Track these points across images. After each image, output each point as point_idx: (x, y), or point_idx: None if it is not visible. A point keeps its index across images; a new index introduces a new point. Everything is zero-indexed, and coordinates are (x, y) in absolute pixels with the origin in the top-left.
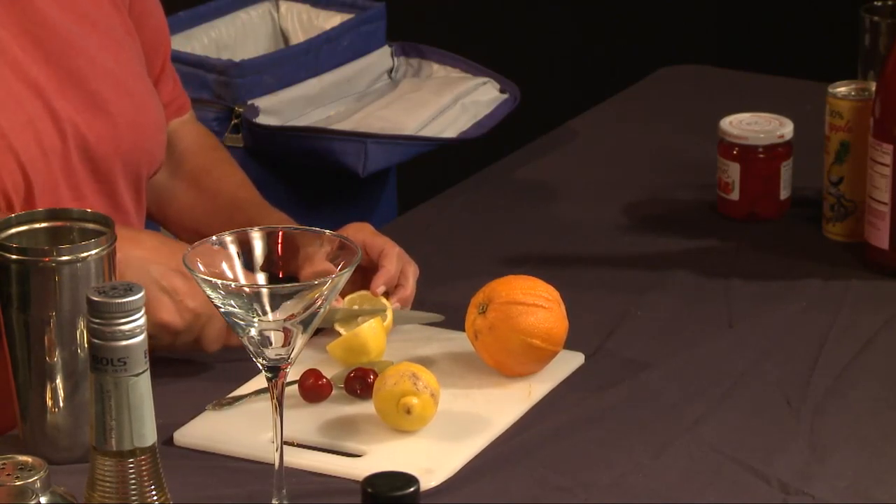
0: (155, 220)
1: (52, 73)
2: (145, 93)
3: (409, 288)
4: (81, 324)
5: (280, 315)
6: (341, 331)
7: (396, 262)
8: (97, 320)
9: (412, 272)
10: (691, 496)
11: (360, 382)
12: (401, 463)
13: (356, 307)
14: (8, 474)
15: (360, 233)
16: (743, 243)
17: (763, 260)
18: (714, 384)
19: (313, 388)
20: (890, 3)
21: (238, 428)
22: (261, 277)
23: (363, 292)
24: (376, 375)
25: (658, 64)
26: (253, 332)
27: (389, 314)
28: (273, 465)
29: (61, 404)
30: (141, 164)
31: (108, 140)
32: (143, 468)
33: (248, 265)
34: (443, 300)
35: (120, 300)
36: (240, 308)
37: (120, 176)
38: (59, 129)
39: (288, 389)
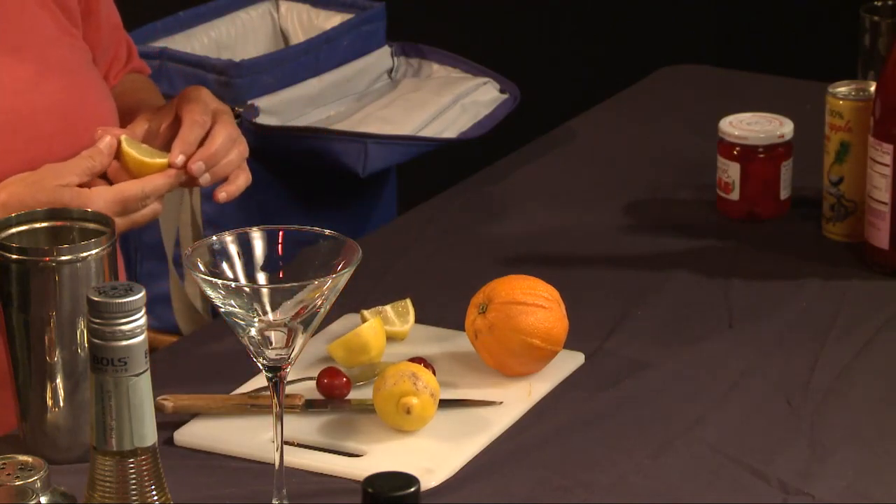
0: None
1: None
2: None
3: (239, 181)
4: (81, 324)
5: (280, 315)
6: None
7: (197, 131)
8: (97, 320)
9: (238, 153)
10: (691, 496)
11: (335, 386)
12: (401, 463)
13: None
14: (8, 474)
15: (195, 92)
16: (743, 243)
17: (763, 260)
18: (714, 384)
19: (329, 387)
20: (890, 3)
21: (238, 428)
22: (261, 277)
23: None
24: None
25: (658, 64)
26: (253, 332)
27: (411, 318)
28: (273, 465)
29: (61, 404)
30: None
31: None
32: (144, 468)
33: (249, 265)
34: (443, 300)
35: (120, 300)
36: (240, 308)
37: None
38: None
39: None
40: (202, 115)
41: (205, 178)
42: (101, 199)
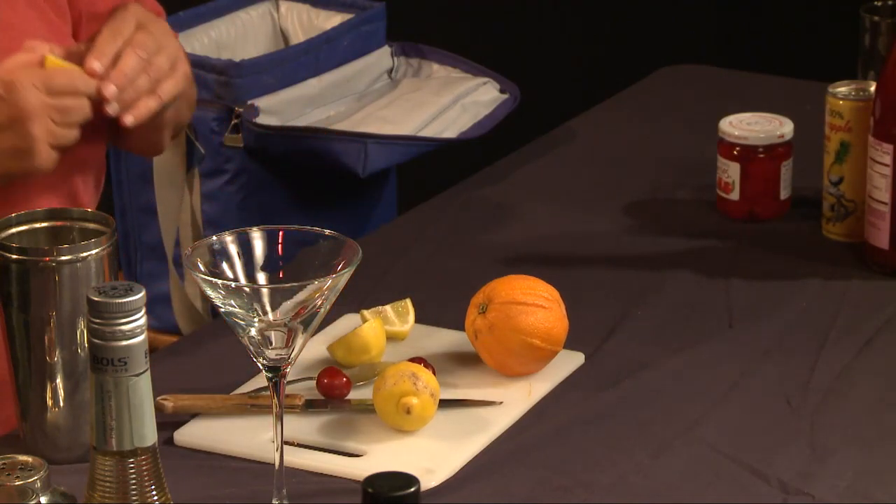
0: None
1: None
2: None
3: (149, 102)
4: (81, 324)
5: (280, 315)
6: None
7: (111, 45)
8: (97, 320)
9: (147, 80)
10: (691, 496)
11: (335, 386)
12: (401, 463)
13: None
14: (8, 474)
15: (121, 11)
16: (743, 243)
17: (763, 260)
18: (714, 384)
19: (329, 387)
20: (890, 3)
21: (238, 428)
22: (261, 277)
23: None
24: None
25: (658, 64)
26: (253, 332)
27: (411, 318)
28: (273, 465)
29: (61, 404)
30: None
31: None
32: (143, 468)
33: (249, 265)
34: (443, 300)
35: (120, 300)
36: (240, 308)
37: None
38: None
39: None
40: (116, 34)
41: (113, 107)
42: (24, 71)
